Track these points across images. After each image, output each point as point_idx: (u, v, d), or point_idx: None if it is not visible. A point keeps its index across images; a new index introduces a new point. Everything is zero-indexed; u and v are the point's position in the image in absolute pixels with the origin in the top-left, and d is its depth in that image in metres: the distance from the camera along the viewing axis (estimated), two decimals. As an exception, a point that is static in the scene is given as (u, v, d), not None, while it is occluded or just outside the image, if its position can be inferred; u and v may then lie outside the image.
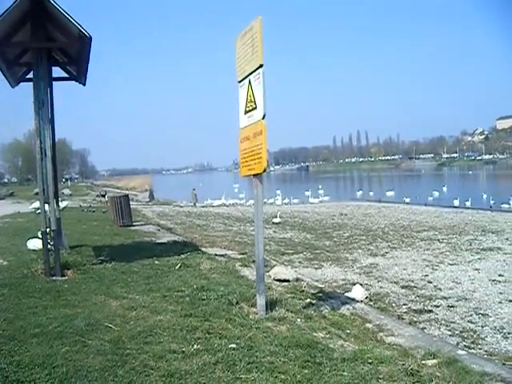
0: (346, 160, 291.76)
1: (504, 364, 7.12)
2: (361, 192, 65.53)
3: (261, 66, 7.07)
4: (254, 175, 7.38)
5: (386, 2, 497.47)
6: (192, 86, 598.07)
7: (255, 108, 7.26)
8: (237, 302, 7.70)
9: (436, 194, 58.31)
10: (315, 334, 6.80)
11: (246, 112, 7.61)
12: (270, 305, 7.59)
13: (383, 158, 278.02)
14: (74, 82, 12.76)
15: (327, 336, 6.89)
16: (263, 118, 7.03)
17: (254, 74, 7.29)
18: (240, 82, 7.87)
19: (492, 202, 43.55)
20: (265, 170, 7.12)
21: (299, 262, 15.24)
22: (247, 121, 7.58)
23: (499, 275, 13.34)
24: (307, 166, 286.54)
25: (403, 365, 5.73)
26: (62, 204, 25.56)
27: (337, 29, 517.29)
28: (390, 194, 59.36)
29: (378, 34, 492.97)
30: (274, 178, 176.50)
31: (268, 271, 10.97)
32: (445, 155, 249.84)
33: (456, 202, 42.57)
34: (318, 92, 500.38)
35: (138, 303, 7.65)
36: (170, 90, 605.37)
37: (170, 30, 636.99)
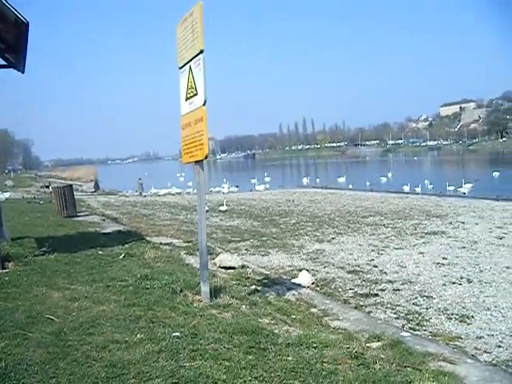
0: (293, 147, 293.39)
1: (447, 344, 7.29)
2: (307, 179, 65.81)
3: (201, 51, 7.02)
4: (196, 162, 7.33)
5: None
6: (138, 73, 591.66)
7: (196, 94, 7.21)
8: (181, 290, 7.64)
9: (384, 179, 59.40)
10: (260, 320, 6.79)
11: (187, 98, 7.55)
12: (215, 292, 7.56)
13: (329, 145, 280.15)
14: (12, 69, 12.46)
15: (272, 322, 6.90)
16: (204, 104, 6.99)
17: (194, 60, 7.24)
18: (181, 68, 7.79)
19: (431, 186, 44.52)
20: (206, 157, 7.07)
21: (246, 250, 15.25)
22: (188, 107, 7.53)
23: (443, 258, 13.65)
24: (253, 153, 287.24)
25: (348, 348, 5.78)
26: (4, 195, 25.07)
27: (283, 15, 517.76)
28: (341, 180, 59.84)
29: (324, 18, 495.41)
30: (220, 166, 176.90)
31: (214, 259, 10.99)
32: (390, 141, 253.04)
33: (406, 188, 43.29)
34: (263, 79, 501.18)
35: (81, 294, 7.50)
36: (116, 78, 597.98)
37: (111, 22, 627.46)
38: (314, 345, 5.80)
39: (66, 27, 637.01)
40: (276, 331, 6.35)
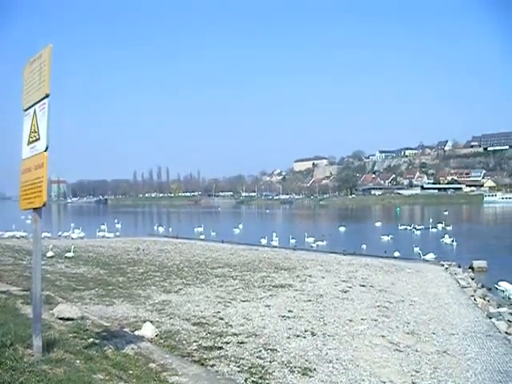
0: (146, 195, 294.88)
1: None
2: (162, 227, 65.37)
3: (47, 95, 6.82)
4: (34, 209, 7.04)
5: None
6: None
7: (38, 139, 6.96)
8: (11, 344, 7.17)
9: (236, 231, 60.11)
10: (94, 376, 6.53)
11: (30, 143, 7.28)
12: (48, 346, 7.19)
13: (183, 194, 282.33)
14: None
15: (107, 378, 6.66)
16: (46, 149, 6.76)
17: (39, 104, 7.01)
18: (26, 110, 7.53)
19: (276, 238, 45.00)
20: (44, 205, 6.80)
21: (90, 299, 14.77)
22: (30, 152, 7.25)
23: (289, 311, 13.92)
24: (106, 199, 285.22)
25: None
26: None
27: (135, 65, 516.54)
28: (199, 229, 59.47)
29: (172, 72, 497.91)
30: (71, 211, 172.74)
31: (52, 309, 10.52)
32: (244, 194, 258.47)
33: (263, 241, 43.78)
34: (119, 124, 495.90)
35: None
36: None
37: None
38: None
39: None
40: (110, 388, 6.14)
